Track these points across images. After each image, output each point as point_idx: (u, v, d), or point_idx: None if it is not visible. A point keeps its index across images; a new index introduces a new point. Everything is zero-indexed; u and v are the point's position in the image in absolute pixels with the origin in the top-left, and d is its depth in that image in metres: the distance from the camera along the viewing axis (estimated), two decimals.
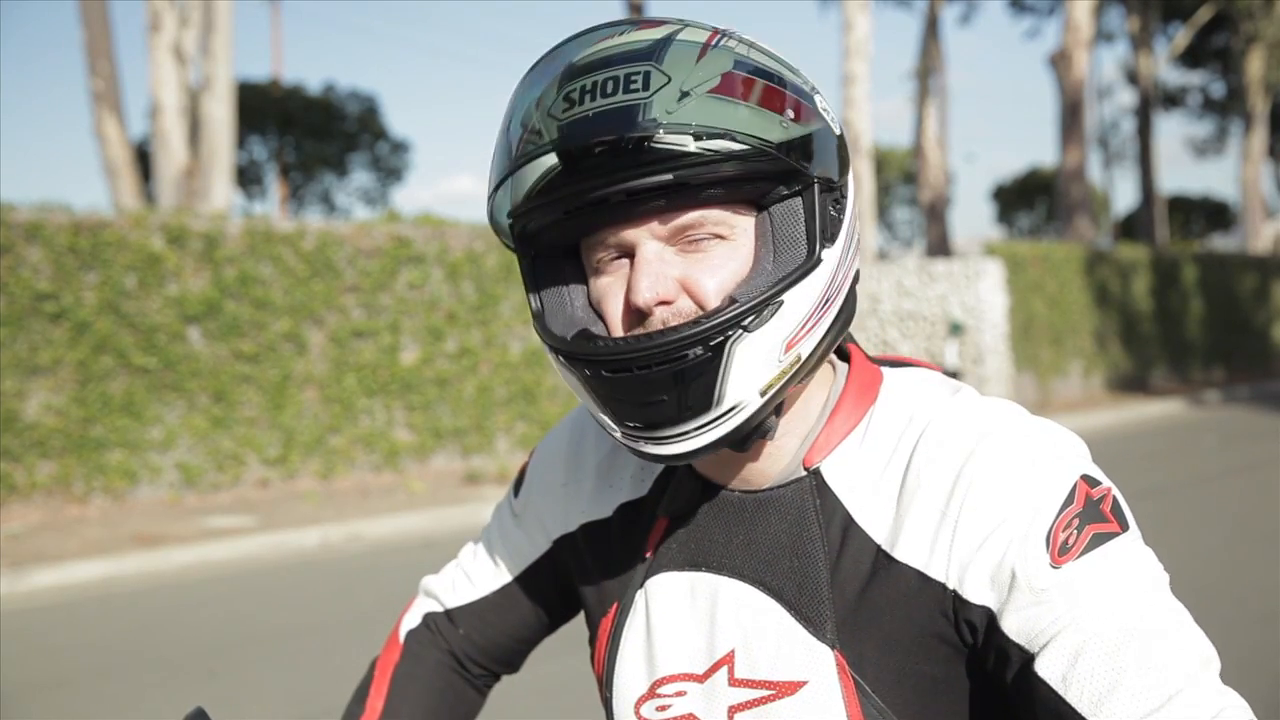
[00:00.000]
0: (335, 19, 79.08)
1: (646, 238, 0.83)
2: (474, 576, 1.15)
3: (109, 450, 8.97)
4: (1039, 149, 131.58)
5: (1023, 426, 0.86)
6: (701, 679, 0.92)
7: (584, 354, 0.83)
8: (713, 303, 0.82)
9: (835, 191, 0.86)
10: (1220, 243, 40.35)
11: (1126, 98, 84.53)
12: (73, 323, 8.76)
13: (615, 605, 1.00)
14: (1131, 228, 36.44)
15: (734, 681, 0.89)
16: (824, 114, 0.85)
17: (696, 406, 0.82)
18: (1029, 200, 45.68)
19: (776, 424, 0.87)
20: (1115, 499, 0.83)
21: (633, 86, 0.78)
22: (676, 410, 0.82)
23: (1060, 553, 0.79)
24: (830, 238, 0.84)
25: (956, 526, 0.82)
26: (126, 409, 9.02)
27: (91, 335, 8.84)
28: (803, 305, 0.82)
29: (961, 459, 0.84)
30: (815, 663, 0.86)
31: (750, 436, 0.86)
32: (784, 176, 0.82)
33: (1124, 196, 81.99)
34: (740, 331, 0.80)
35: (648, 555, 0.98)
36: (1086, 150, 21.40)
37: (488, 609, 1.14)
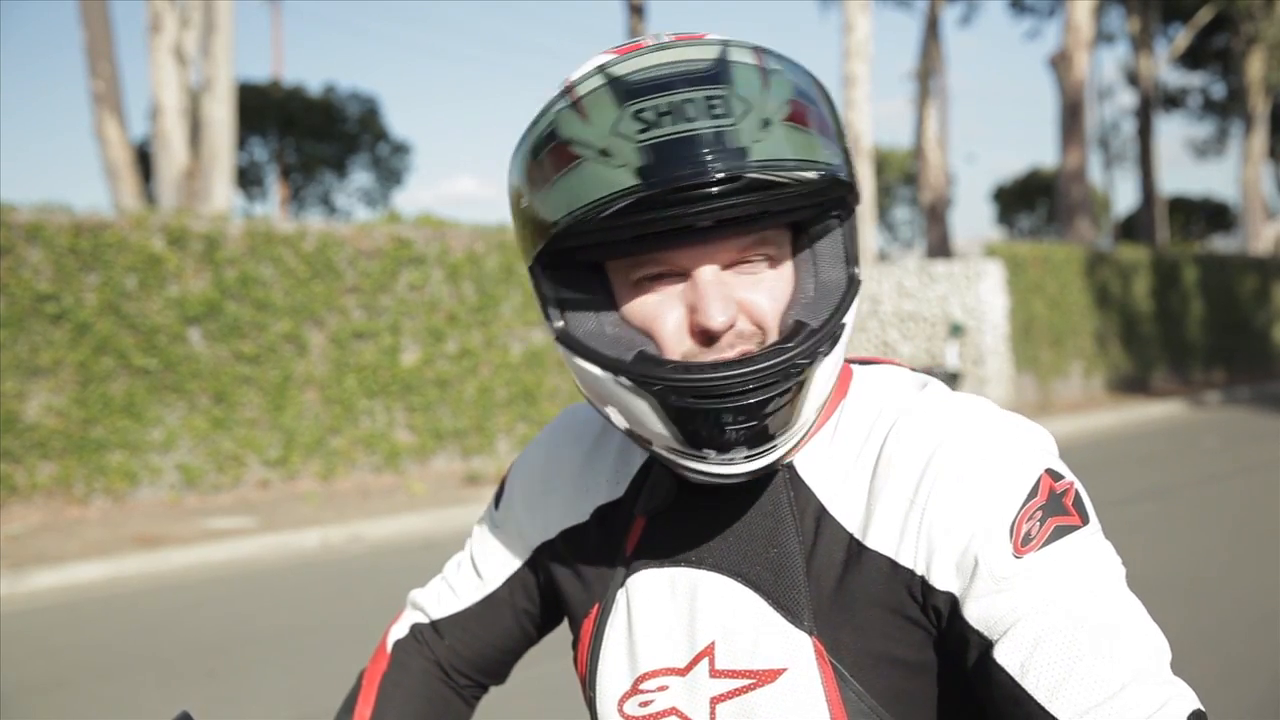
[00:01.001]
0: (336, 20, 79.12)
1: (708, 261, 0.83)
2: (457, 588, 1.17)
3: (110, 451, 8.97)
4: (1039, 150, 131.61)
5: (989, 420, 0.88)
6: (683, 672, 0.93)
7: (677, 381, 0.82)
8: (771, 323, 0.84)
9: (851, 213, 0.89)
10: (1221, 244, 40.37)
11: (1127, 99, 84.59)
12: (73, 324, 8.76)
13: (597, 606, 1.01)
14: (1132, 229, 36.43)
15: (715, 673, 0.91)
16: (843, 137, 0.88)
17: (781, 429, 0.84)
18: (1029, 201, 45.69)
19: None
20: (1077, 493, 0.85)
21: (715, 111, 0.77)
22: (760, 433, 0.83)
23: (1023, 543, 0.81)
24: (855, 258, 0.88)
25: (924, 514, 0.84)
26: (127, 410, 9.02)
27: (92, 336, 8.84)
28: (851, 325, 0.87)
29: (929, 449, 0.86)
30: (794, 650, 0.88)
31: None
32: (837, 201, 0.86)
33: (1124, 198, 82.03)
34: (821, 356, 0.83)
35: (628, 554, 0.99)
36: (1087, 151, 21.40)
37: (471, 620, 1.15)
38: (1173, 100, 36.90)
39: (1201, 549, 6.90)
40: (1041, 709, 0.77)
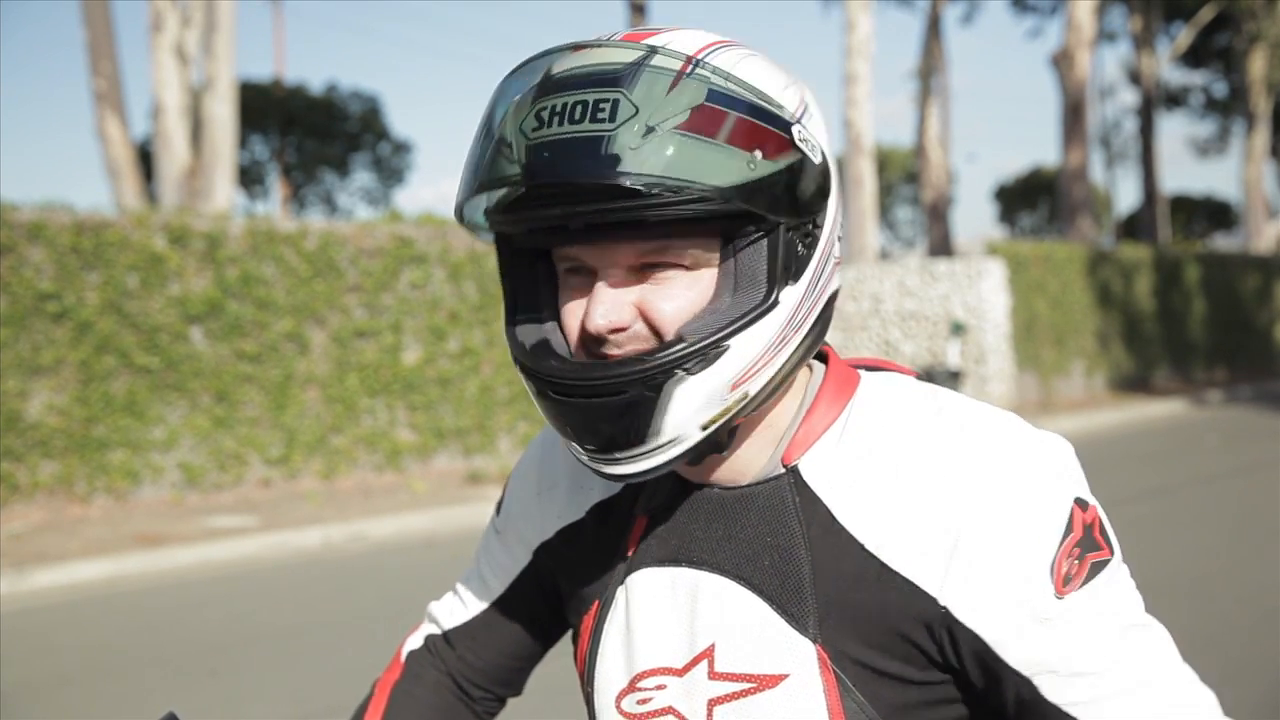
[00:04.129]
0: (337, 19, 79.14)
1: (608, 263, 0.83)
2: (466, 598, 1.17)
3: (111, 450, 8.98)
4: (1041, 149, 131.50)
5: (1019, 444, 0.86)
6: (680, 673, 0.92)
7: (537, 371, 0.86)
8: (668, 331, 0.83)
9: (804, 227, 0.85)
10: (1222, 243, 40.32)
11: (1129, 97, 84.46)
12: (75, 323, 8.77)
13: (596, 603, 1.01)
14: (1134, 228, 36.38)
15: (714, 675, 0.90)
16: (802, 144, 0.83)
17: (633, 438, 0.84)
18: (1031, 200, 45.67)
19: (731, 440, 0.89)
20: (1102, 521, 0.86)
21: (600, 115, 0.77)
22: (614, 439, 0.84)
23: (1064, 583, 0.82)
24: (794, 275, 0.84)
25: (957, 546, 0.83)
26: (129, 409, 9.03)
27: (94, 335, 8.84)
28: (753, 348, 0.82)
29: (961, 475, 0.85)
30: (797, 656, 0.87)
31: (701, 455, 0.88)
32: (747, 217, 0.81)
33: (1126, 196, 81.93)
34: (681, 373, 0.81)
35: (629, 553, 0.99)
36: (1089, 150, 21.38)
37: (479, 628, 1.15)
38: (1174, 99, 36.88)
39: (1203, 548, 6.90)
40: None
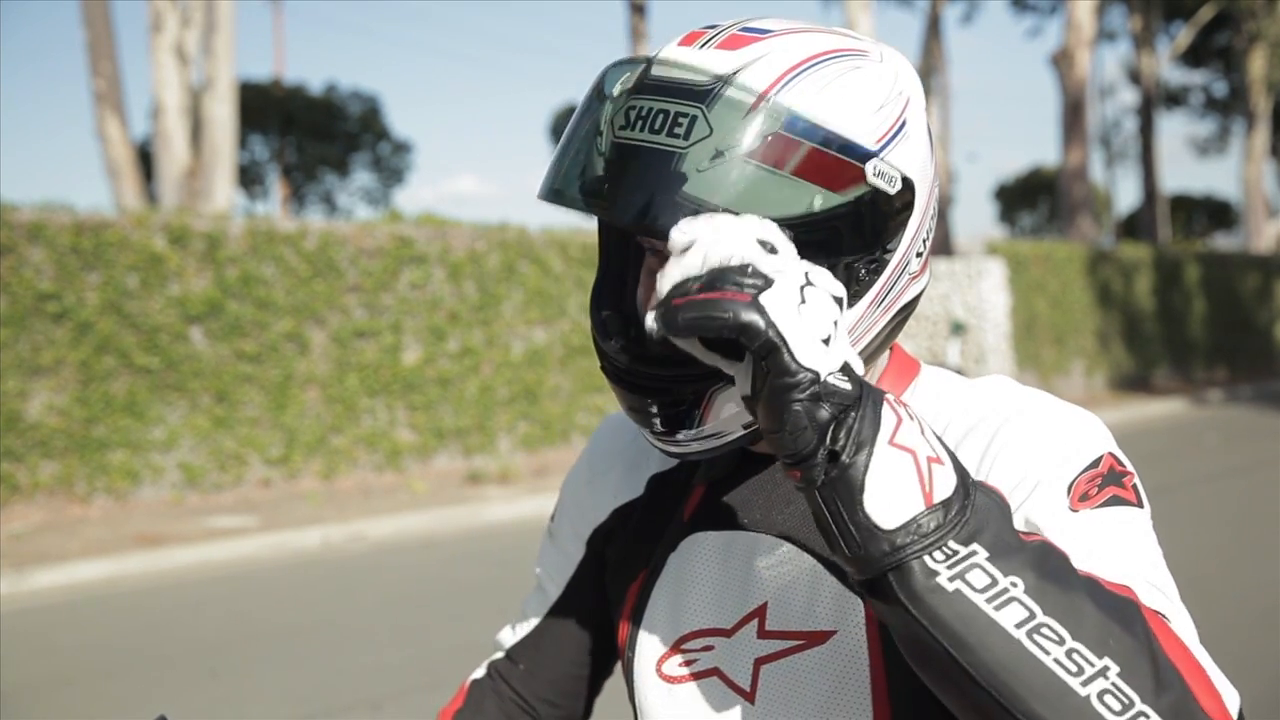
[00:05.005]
0: (337, 19, 79.07)
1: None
2: (527, 612, 1.17)
3: (111, 450, 8.98)
4: (1041, 148, 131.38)
5: (1062, 404, 0.90)
6: (729, 633, 0.94)
7: (601, 349, 0.91)
8: None
9: (868, 255, 0.85)
10: (1222, 242, 40.31)
11: (1128, 97, 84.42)
12: (75, 323, 8.77)
13: (644, 570, 1.02)
14: (1134, 227, 36.36)
15: (763, 634, 0.92)
16: (876, 179, 0.83)
17: (676, 426, 0.87)
18: (1031, 200, 45.65)
19: None
20: (1136, 481, 0.86)
21: (676, 130, 0.79)
22: (660, 424, 0.88)
23: (1079, 499, 0.82)
24: (852, 300, 0.85)
25: (995, 462, 0.86)
26: (129, 409, 9.02)
27: (94, 335, 8.84)
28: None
29: (1000, 421, 0.88)
30: (845, 613, 0.89)
31: (754, 440, 0.90)
32: (810, 247, 0.80)
33: (1126, 196, 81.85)
34: (723, 384, 0.84)
35: (685, 520, 1.01)
36: (1088, 149, 21.40)
37: (542, 637, 1.15)
38: (1174, 98, 36.87)
39: (1203, 547, 6.90)
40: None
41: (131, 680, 5.01)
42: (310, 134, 32.06)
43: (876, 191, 0.83)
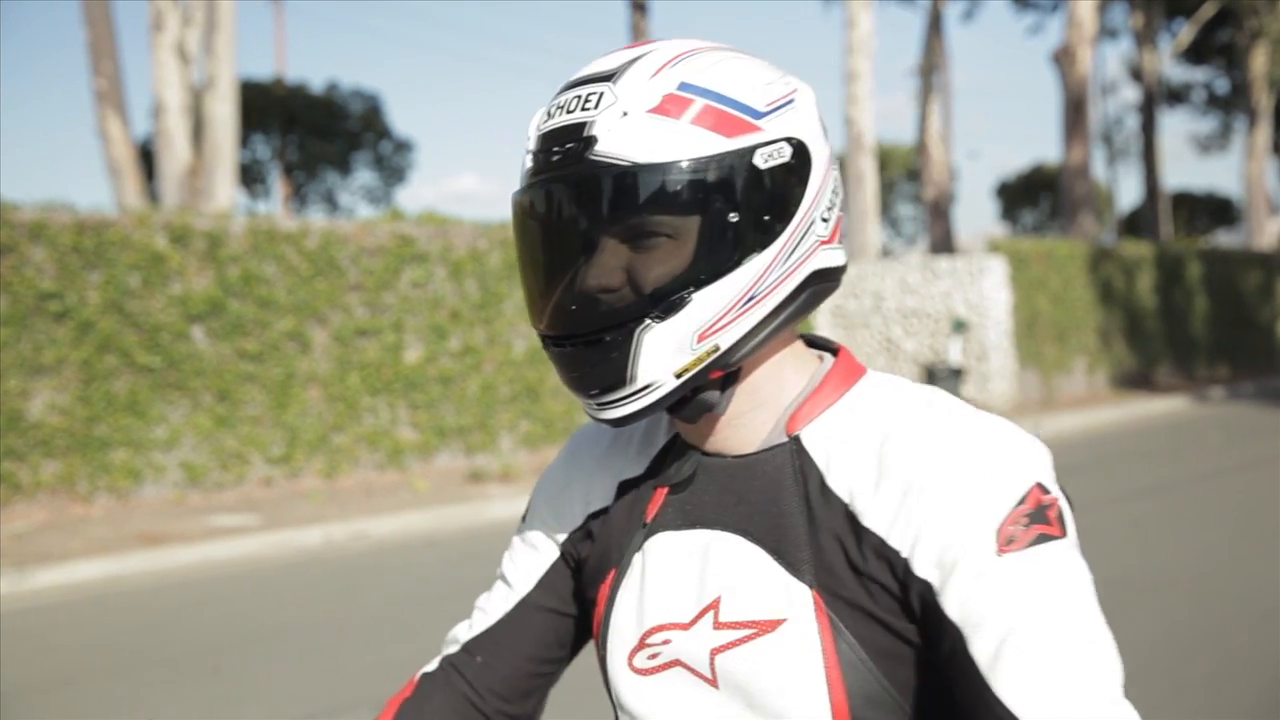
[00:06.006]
0: (338, 18, 79.07)
1: (604, 233, 0.93)
2: (488, 607, 1.19)
3: (113, 449, 8.98)
4: (1043, 146, 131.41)
5: (993, 428, 0.94)
6: (686, 626, 1.00)
7: (538, 327, 1.00)
8: (647, 291, 0.93)
9: (773, 202, 0.94)
10: (1224, 239, 40.28)
11: (1130, 94, 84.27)
12: (77, 322, 8.77)
13: (614, 570, 1.08)
14: (1135, 224, 36.35)
15: (718, 624, 0.97)
16: (766, 128, 0.94)
17: (612, 382, 0.96)
18: (1033, 197, 45.63)
19: (723, 400, 1.00)
20: (1061, 509, 0.90)
21: (588, 105, 0.93)
22: (595, 383, 0.96)
23: (1006, 543, 0.87)
24: (760, 244, 0.94)
25: (917, 502, 0.90)
26: (130, 408, 9.03)
27: (95, 334, 8.85)
28: (716, 302, 0.93)
29: (933, 446, 0.92)
30: (794, 601, 0.94)
31: (690, 408, 0.99)
32: (717, 190, 0.91)
33: (1128, 193, 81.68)
34: (648, 322, 0.93)
35: (647, 522, 1.07)
36: (1090, 147, 21.36)
37: (502, 630, 1.17)
38: (1176, 95, 36.83)
39: (1205, 545, 6.90)
40: (1001, 704, 0.83)
41: (133, 680, 5.02)
42: (311, 133, 32.06)
43: (770, 143, 0.94)
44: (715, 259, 0.92)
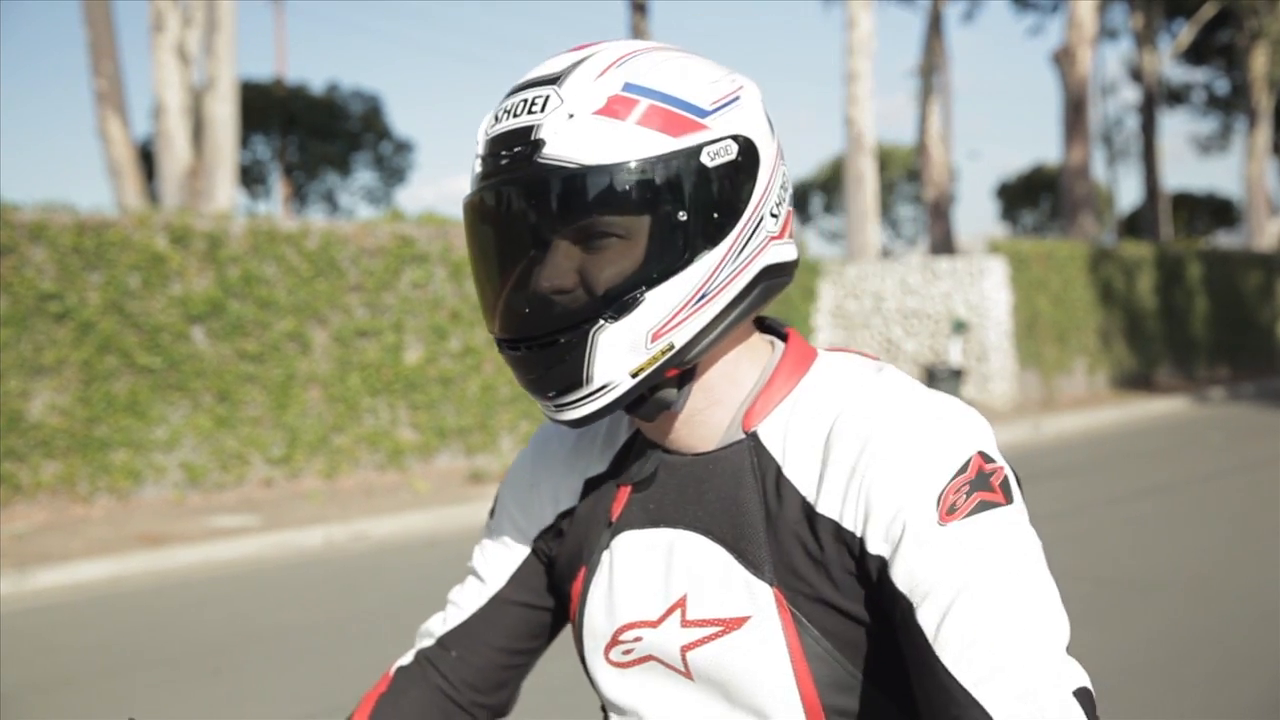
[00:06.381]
0: (338, 19, 79.09)
1: (554, 235, 0.94)
2: (461, 602, 1.21)
3: (113, 450, 8.99)
4: (1043, 146, 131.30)
5: (932, 401, 0.95)
6: (655, 624, 1.02)
7: (494, 331, 1.00)
8: (599, 292, 0.93)
9: (722, 200, 0.95)
10: (1225, 240, 40.23)
11: (1130, 95, 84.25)
12: (77, 323, 8.77)
13: (584, 568, 1.10)
14: (1136, 225, 36.34)
15: (686, 622, 0.99)
16: (711, 126, 0.94)
17: (569, 383, 0.96)
18: (1033, 198, 45.59)
19: (680, 398, 1.00)
20: (1006, 477, 0.91)
21: (534, 109, 0.93)
22: (552, 385, 0.97)
23: (948, 512, 0.88)
24: (710, 241, 0.94)
25: (863, 481, 0.91)
26: (131, 409, 9.03)
27: (96, 335, 8.85)
28: (668, 301, 0.93)
29: (873, 423, 0.94)
30: (757, 599, 0.96)
31: (647, 407, 1.00)
32: (662, 188, 0.92)
33: (1128, 193, 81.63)
34: (602, 323, 0.93)
35: (612, 520, 1.08)
36: (1090, 147, 21.36)
37: (475, 625, 1.19)
38: (1176, 96, 36.81)
39: (1204, 545, 6.90)
40: (946, 671, 0.83)
41: (134, 680, 5.02)
42: (312, 133, 32.04)
43: (716, 141, 0.94)
44: (666, 258, 0.93)
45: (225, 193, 12.93)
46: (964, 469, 0.89)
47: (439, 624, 1.22)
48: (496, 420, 11.26)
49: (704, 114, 0.94)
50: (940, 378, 14.02)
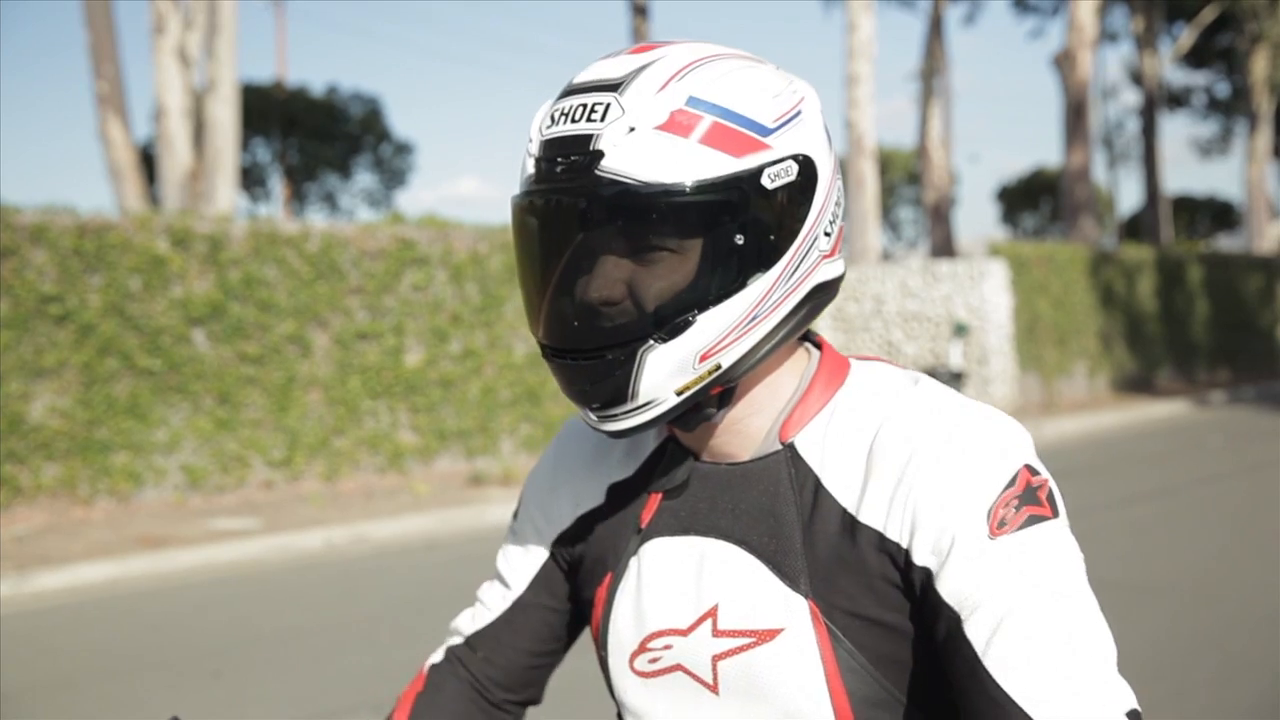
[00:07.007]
0: (339, 21, 79.19)
1: (607, 244, 0.92)
2: (488, 602, 1.23)
3: (114, 452, 8.98)
4: (1043, 149, 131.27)
5: (978, 413, 0.95)
6: (685, 632, 1.01)
7: (539, 337, 0.99)
8: (650, 307, 0.92)
9: (778, 221, 0.94)
10: (1225, 243, 40.22)
11: (1131, 98, 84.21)
12: (78, 325, 8.77)
13: (610, 574, 1.10)
14: (1136, 228, 36.35)
15: (717, 632, 0.99)
16: (773, 146, 0.92)
17: (613, 398, 0.95)
18: (1033, 201, 45.60)
19: (720, 410, 1.00)
20: (1051, 489, 0.92)
21: (594, 116, 0.91)
22: (597, 398, 0.96)
23: (998, 526, 0.88)
24: (765, 264, 0.93)
25: (910, 492, 0.91)
26: (131, 411, 9.03)
27: (96, 337, 8.85)
28: (719, 324, 0.92)
29: (921, 435, 0.93)
30: (791, 611, 0.95)
31: (688, 419, 0.99)
32: (722, 208, 0.91)
33: (1129, 197, 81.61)
34: (652, 343, 0.92)
35: (642, 527, 1.08)
36: (1091, 151, 21.36)
37: (501, 627, 1.21)
38: (1177, 99, 36.83)
39: (1205, 548, 6.89)
40: (998, 687, 0.84)
41: (134, 683, 5.02)
42: (312, 136, 32.06)
43: (777, 163, 0.93)
44: (720, 280, 0.91)
45: (226, 195, 12.94)
46: (1013, 482, 0.90)
47: (468, 622, 1.23)
48: (497, 423, 11.26)
49: (767, 132, 0.92)
50: (940, 380, 13.98)
